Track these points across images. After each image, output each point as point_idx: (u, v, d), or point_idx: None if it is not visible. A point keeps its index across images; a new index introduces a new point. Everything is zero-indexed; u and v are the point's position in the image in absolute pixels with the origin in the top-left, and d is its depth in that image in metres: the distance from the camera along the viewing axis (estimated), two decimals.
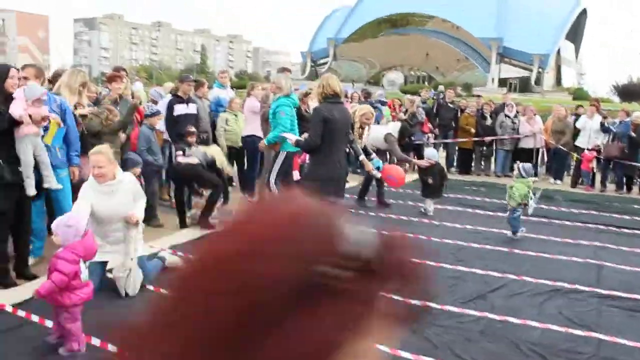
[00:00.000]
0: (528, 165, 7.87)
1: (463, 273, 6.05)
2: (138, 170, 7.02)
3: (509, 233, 7.64)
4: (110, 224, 4.99)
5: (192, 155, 7.31)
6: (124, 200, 5.01)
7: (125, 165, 7.01)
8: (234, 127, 9.58)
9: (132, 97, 8.05)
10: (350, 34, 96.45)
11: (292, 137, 6.54)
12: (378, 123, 12.58)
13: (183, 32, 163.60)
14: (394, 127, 9.31)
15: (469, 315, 4.87)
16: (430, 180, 8.67)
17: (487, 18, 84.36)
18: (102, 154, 4.92)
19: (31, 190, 5.09)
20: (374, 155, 8.01)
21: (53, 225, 3.92)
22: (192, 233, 7.25)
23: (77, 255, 3.82)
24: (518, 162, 8.46)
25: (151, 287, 5.14)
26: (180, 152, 7.90)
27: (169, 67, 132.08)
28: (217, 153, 7.70)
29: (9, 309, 4.54)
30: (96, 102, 7.19)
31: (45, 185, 5.22)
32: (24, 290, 4.81)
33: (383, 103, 13.38)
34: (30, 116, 4.93)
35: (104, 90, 7.81)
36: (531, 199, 7.41)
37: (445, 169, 9.15)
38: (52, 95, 5.75)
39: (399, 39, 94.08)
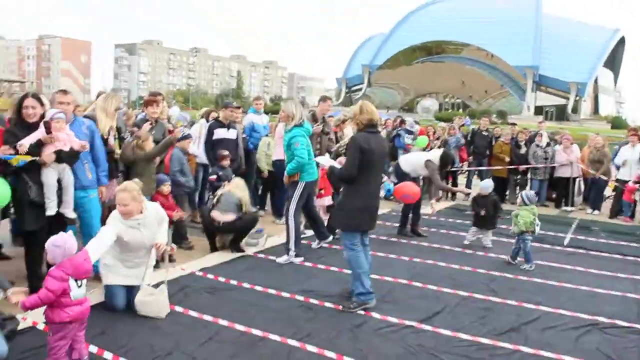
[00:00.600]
0: (531, 192, 7.99)
1: (495, 304, 5.88)
2: (166, 188, 7.08)
3: (507, 258, 7.73)
4: (135, 252, 5.14)
5: (228, 211, 7.31)
6: (150, 232, 5.13)
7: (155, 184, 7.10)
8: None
9: (168, 121, 8.18)
10: (385, 60, 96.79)
11: (327, 162, 6.14)
12: (400, 149, 12.53)
13: (219, 58, 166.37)
14: (435, 154, 9.06)
15: (502, 348, 4.71)
16: (482, 212, 8.47)
17: (522, 46, 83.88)
18: (127, 191, 4.97)
19: (51, 211, 5.23)
20: (385, 178, 8.07)
21: (46, 244, 3.95)
22: (222, 256, 7.26)
23: (66, 274, 3.84)
24: (522, 190, 8.36)
25: (180, 309, 5.19)
26: (215, 177, 7.97)
27: (205, 91, 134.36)
28: (241, 189, 7.68)
29: (41, 326, 4.61)
30: (133, 125, 7.28)
31: (60, 210, 5.31)
32: None
33: (409, 132, 13.14)
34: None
35: (141, 114, 7.92)
36: (537, 225, 7.57)
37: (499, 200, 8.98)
38: (80, 119, 5.88)
39: (433, 66, 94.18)
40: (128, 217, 4.98)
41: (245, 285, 6.10)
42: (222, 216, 7.27)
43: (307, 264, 7.04)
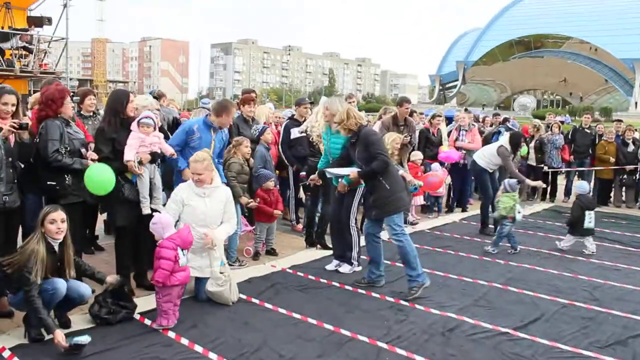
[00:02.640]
0: (513, 181, 8.06)
1: (598, 313, 5.54)
2: (271, 184, 7.17)
3: (488, 247, 7.91)
4: (195, 229, 5.14)
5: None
6: (213, 209, 5.32)
7: (258, 181, 7.21)
8: None
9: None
10: (480, 56, 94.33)
11: (345, 170, 6.11)
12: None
13: (312, 56, 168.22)
14: (505, 139, 8.91)
15: None
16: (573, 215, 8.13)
17: (631, 37, 78.96)
18: (200, 161, 5.26)
19: (146, 210, 5.41)
20: (410, 178, 8.15)
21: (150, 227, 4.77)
22: (313, 254, 7.30)
23: (175, 243, 4.64)
24: (628, 191, 7.91)
25: (243, 296, 5.43)
26: (304, 173, 7.94)
27: (298, 89, 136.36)
28: None
29: (137, 316, 4.85)
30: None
31: (152, 206, 5.47)
32: (146, 300, 5.10)
33: (510, 130, 12.63)
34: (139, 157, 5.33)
35: (237, 112, 8.04)
36: (519, 212, 7.79)
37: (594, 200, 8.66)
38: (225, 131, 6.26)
39: (531, 61, 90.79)
40: (201, 185, 5.26)
41: (335, 283, 6.10)
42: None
43: (399, 264, 6.93)
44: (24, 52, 17.24)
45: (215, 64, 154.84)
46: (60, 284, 4.31)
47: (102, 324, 4.64)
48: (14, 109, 4.77)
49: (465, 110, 15.61)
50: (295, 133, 8.07)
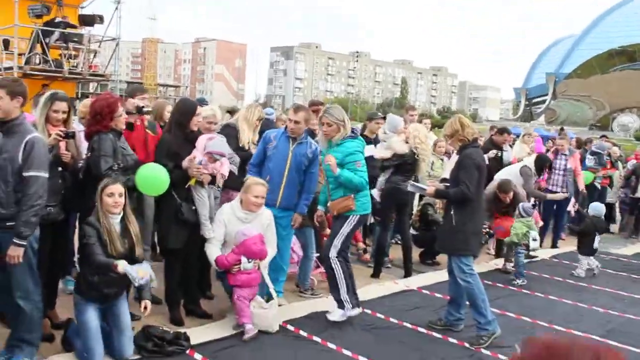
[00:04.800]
0: (528, 205, 8.33)
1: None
2: None
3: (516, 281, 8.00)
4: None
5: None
6: (252, 233, 5.51)
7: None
8: (438, 172, 9.39)
9: None
10: (575, 68, 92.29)
11: (427, 185, 6.20)
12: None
13: (382, 64, 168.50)
14: (531, 159, 9.25)
15: None
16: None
17: None
18: (264, 185, 5.62)
19: (208, 233, 5.55)
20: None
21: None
22: (382, 289, 7.24)
23: (239, 252, 5.44)
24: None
25: (304, 334, 5.49)
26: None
27: (365, 100, 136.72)
28: None
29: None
30: None
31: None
32: (199, 332, 5.20)
33: (595, 154, 12.01)
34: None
35: None
36: (534, 239, 7.98)
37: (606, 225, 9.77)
38: (310, 142, 6.25)
39: (635, 74, 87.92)
40: (256, 210, 5.55)
41: (407, 324, 6.03)
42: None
43: None
44: (67, 50, 17.71)
45: (275, 69, 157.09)
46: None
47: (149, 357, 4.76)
48: (65, 116, 4.96)
49: (562, 130, 14.99)
50: (366, 152, 7.97)
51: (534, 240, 7.98)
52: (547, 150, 11.08)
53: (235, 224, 5.49)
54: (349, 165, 5.81)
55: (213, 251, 5.49)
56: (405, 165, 7.64)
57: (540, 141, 11.46)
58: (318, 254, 6.96)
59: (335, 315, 5.91)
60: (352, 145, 5.92)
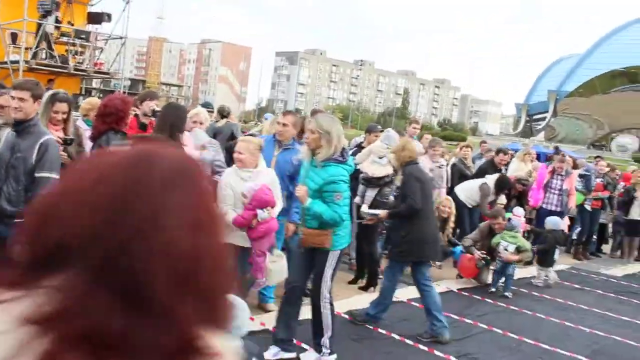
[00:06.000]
0: (517, 219, 8.72)
1: None
2: None
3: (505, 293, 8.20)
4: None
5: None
6: None
7: None
8: None
9: None
10: (577, 87, 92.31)
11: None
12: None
13: (386, 73, 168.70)
14: (493, 177, 9.38)
15: None
16: (535, 248, 9.09)
17: None
18: (246, 142, 5.79)
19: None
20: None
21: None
22: (372, 298, 7.25)
23: (253, 206, 5.39)
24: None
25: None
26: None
27: (367, 109, 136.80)
28: None
29: None
30: None
31: None
32: None
33: (582, 176, 11.92)
34: None
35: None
36: (505, 250, 8.14)
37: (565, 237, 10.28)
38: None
39: (636, 96, 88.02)
40: (241, 166, 5.61)
41: (395, 336, 6.08)
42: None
43: (468, 320, 6.85)
44: (73, 46, 17.72)
45: (279, 73, 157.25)
46: None
47: None
48: (65, 116, 5.08)
49: (557, 149, 14.85)
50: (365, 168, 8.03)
51: (505, 250, 8.15)
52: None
53: (240, 185, 5.54)
54: (326, 195, 4.88)
55: (230, 215, 5.42)
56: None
57: (544, 167, 11.35)
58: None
59: (309, 358, 5.30)
60: (336, 173, 4.89)
